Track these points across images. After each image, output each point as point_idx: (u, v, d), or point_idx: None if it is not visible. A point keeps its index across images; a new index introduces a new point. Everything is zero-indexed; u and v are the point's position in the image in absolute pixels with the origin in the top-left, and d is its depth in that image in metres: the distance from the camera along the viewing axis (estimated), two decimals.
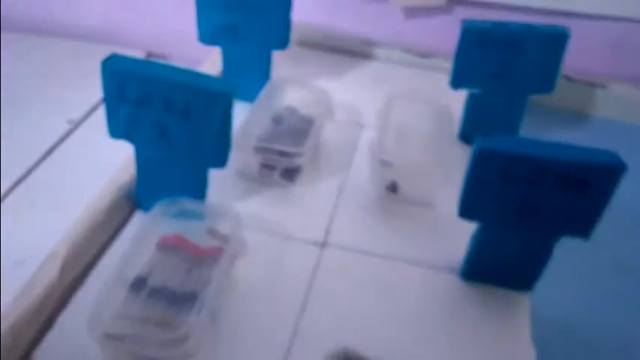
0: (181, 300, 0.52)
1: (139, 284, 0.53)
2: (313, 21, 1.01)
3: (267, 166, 0.69)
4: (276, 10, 0.76)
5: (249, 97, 0.76)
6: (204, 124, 0.56)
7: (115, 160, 0.67)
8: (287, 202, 0.68)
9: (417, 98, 0.78)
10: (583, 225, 0.52)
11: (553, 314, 0.66)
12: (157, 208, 0.57)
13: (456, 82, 0.74)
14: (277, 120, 0.74)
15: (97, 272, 0.58)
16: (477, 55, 0.71)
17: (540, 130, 0.86)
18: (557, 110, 0.95)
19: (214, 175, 0.62)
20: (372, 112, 0.81)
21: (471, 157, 0.51)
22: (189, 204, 0.58)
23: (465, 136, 0.79)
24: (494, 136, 0.50)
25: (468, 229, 0.58)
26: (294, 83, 0.79)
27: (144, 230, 0.56)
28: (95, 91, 0.93)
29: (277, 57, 0.82)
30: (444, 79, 0.76)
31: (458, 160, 0.68)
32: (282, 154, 0.67)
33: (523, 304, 0.58)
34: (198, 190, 0.61)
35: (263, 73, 0.81)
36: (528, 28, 0.69)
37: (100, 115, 0.91)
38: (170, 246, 0.57)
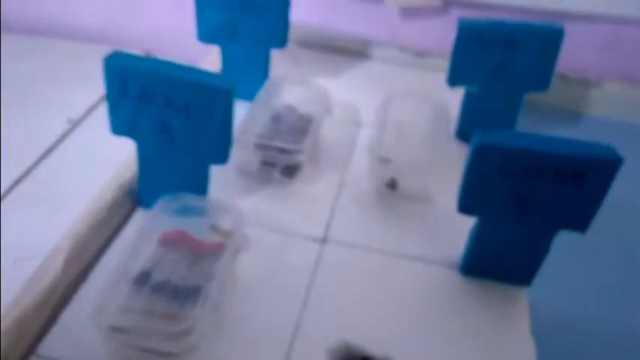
0: (184, 294, 0.52)
1: (142, 279, 0.53)
2: (311, 21, 1.02)
3: (267, 163, 0.70)
4: (274, 9, 0.76)
5: (249, 95, 0.76)
6: (205, 121, 0.57)
7: (114, 159, 0.67)
8: (287, 198, 0.68)
9: (414, 96, 0.78)
10: (580, 219, 0.53)
11: (551, 308, 0.67)
12: (159, 204, 0.58)
13: (453, 80, 0.74)
14: (276, 118, 0.75)
15: (99, 268, 0.58)
16: (473, 53, 0.72)
17: (535, 128, 0.87)
18: (551, 109, 0.96)
19: (215, 172, 0.63)
20: (370, 111, 0.81)
21: (470, 151, 0.52)
22: (191, 200, 0.59)
23: (462, 134, 0.79)
24: (493, 131, 0.51)
25: (467, 224, 0.58)
26: (293, 82, 0.80)
27: (146, 226, 0.56)
28: (94, 90, 0.94)
29: (276, 57, 0.83)
30: (440, 78, 0.77)
31: (455, 157, 0.69)
32: (282, 151, 0.68)
33: (522, 298, 0.59)
34: (199, 186, 0.62)
35: (262, 72, 0.82)
36: (524, 26, 0.70)
37: (100, 114, 0.91)
38: (172, 241, 0.57)
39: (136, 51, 1.07)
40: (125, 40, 1.12)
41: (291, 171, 0.71)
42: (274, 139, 0.70)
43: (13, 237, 0.68)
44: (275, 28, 0.78)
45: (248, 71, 0.81)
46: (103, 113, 0.89)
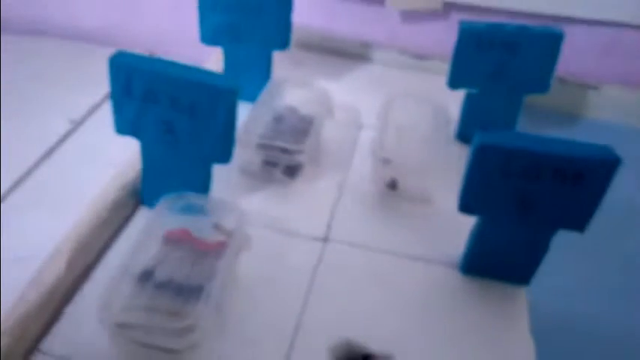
0: (187, 292, 0.53)
1: (146, 277, 0.54)
2: (312, 24, 1.03)
3: (269, 163, 0.70)
4: (276, 11, 0.77)
5: (251, 97, 0.77)
6: (209, 120, 0.57)
7: (115, 159, 0.68)
8: (289, 198, 0.69)
9: (415, 98, 0.79)
10: (579, 218, 0.54)
11: (550, 307, 0.67)
12: (163, 203, 0.58)
13: (454, 83, 0.75)
14: (278, 119, 0.75)
15: (103, 266, 0.59)
16: (474, 56, 0.72)
17: (535, 130, 0.87)
18: (550, 111, 0.97)
19: (217, 172, 0.63)
20: (371, 112, 0.82)
21: (472, 151, 0.52)
22: (194, 199, 0.59)
23: (463, 136, 0.80)
24: (494, 131, 0.52)
25: (467, 224, 0.59)
26: (295, 83, 0.80)
27: (150, 224, 0.57)
28: (95, 91, 0.95)
29: (278, 59, 0.84)
30: (440, 80, 0.77)
31: (456, 158, 0.70)
32: (284, 151, 0.69)
33: (521, 297, 0.59)
34: (202, 185, 0.62)
35: (264, 74, 0.83)
36: (524, 29, 0.71)
37: (101, 115, 0.92)
38: (176, 240, 0.58)
39: (138, 52, 1.08)
40: (126, 41, 1.12)
41: (292, 171, 0.71)
42: (276, 139, 0.70)
43: (15, 237, 0.69)
44: (277, 31, 0.78)
45: (250, 73, 0.82)
46: (104, 114, 0.91)
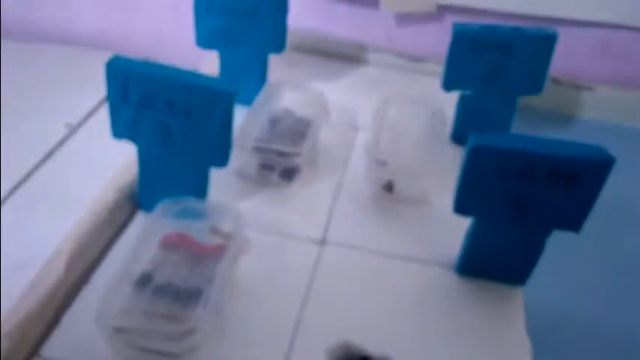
0: (186, 296, 0.53)
1: (144, 281, 0.54)
2: (308, 26, 1.03)
3: (265, 166, 0.71)
4: (272, 14, 0.77)
5: (247, 100, 0.77)
6: (206, 124, 0.57)
7: (112, 163, 0.68)
8: (286, 201, 0.69)
9: (410, 100, 0.80)
10: (574, 219, 0.54)
11: (546, 307, 0.68)
12: (160, 207, 0.58)
13: (448, 85, 0.76)
14: (275, 122, 0.76)
15: (101, 271, 0.59)
16: (468, 58, 0.73)
17: (529, 131, 0.88)
18: (545, 112, 0.97)
19: (214, 176, 0.63)
20: (366, 114, 0.82)
21: (466, 152, 0.53)
22: (191, 203, 0.60)
23: (457, 137, 0.81)
24: (488, 133, 0.52)
25: (462, 225, 0.59)
26: (291, 86, 0.81)
27: (147, 229, 0.57)
28: (92, 95, 0.95)
29: (273, 62, 0.84)
30: (435, 82, 0.78)
31: (451, 159, 0.70)
32: (281, 154, 0.69)
33: (517, 297, 0.60)
34: (199, 189, 0.63)
35: (260, 77, 0.83)
36: (518, 31, 0.71)
37: (98, 119, 0.92)
38: (173, 244, 0.58)
39: (134, 56, 1.08)
40: (123, 45, 1.12)
41: (289, 174, 0.71)
42: (273, 142, 0.71)
43: (14, 241, 0.69)
44: (273, 34, 0.79)
45: (246, 76, 0.82)
46: (101, 118, 0.91)
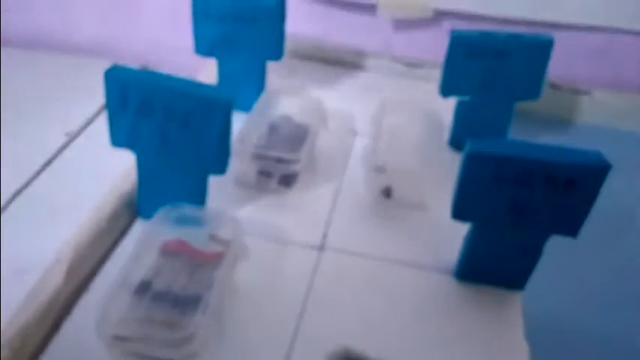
0: (185, 302, 0.53)
1: (143, 288, 0.54)
2: (306, 33, 1.04)
3: (264, 173, 0.71)
4: (270, 22, 0.78)
5: (245, 107, 0.78)
6: (204, 132, 0.58)
7: (112, 171, 0.68)
8: (284, 207, 0.69)
9: (408, 106, 0.80)
10: (571, 224, 0.54)
11: (545, 312, 0.68)
12: (159, 215, 0.59)
13: (446, 90, 0.76)
14: (273, 128, 0.76)
15: (100, 278, 0.59)
16: (465, 64, 0.73)
17: (527, 136, 0.88)
18: (543, 117, 0.98)
19: (213, 183, 0.64)
20: (364, 120, 0.83)
21: (463, 159, 0.53)
22: (190, 210, 0.60)
23: (455, 142, 0.81)
24: (485, 139, 0.52)
25: (461, 231, 0.60)
26: (289, 93, 0.81)
27: (146, 236, 0.57)
28: (91, 103, 0.95)
29: (272, 68, 0.85)
30: (432, 88, 0.78)
31: (448, 165, 0.70)
32: (279, 160, 0.69)
33: (515, 302, 0.60)
34: (198, 196, 0.63)
35: (258, 84, 0.83)
36: (514, 37, 0.72)
37: (97, 127, 0.92)
38: (172, 251, 0.58)
39: (132, 64, 1.08)
40: (122, 53, 1.13)
41: (288, 180, 0.72)
42: (271, 149, 0.71)
43: (13, 249, 0.69)
44: (271, 41, 0.79)
45: (245, 83, 0.83)
46: (100, 126, 0.91)
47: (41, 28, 1.14)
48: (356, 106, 0.90)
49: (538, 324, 0.59)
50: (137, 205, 0.66)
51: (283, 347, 0.54)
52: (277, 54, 0.81)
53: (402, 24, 1.01)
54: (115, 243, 0.63)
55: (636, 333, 0.68)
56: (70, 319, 0.55)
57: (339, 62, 1.03)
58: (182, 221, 0.60)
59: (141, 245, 0.56)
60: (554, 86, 0.97)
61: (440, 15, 0.98)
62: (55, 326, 0.54)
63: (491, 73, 0.73)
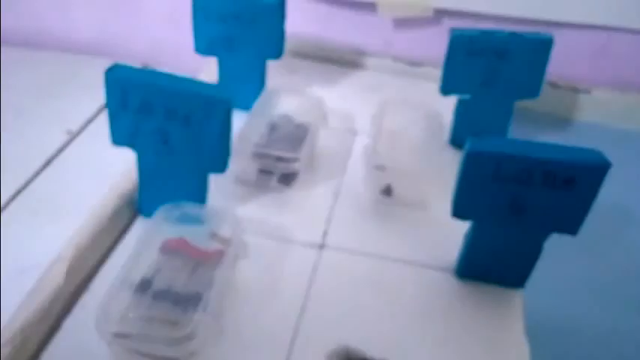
0: (186, 301, 0.53)
1: (144, 286, 0.54)
2: (306, 32, 1.04)
3: (264, 172, 0.71)
4: (270, 21, 0.78)
5: (245, 106, 0.78)
6: (204, 130, 0.58)
7: (113, 169, 0.68)
8: (285, 206, 0.70)
9: (408, 105, 0.80)
10: (571, 222, 0.54)
11: (545, 309, 0.68)
12: (160, 213, 0.59)
13: (446, 89, 0.76)
14: (273, 127, 0.76)
15: (101, 276, 0.59)
16: (465, 63, 0.73)
17: (527, 134, 0.89)
18: (542, 116, 0.98)
19: (213, 181, 0.64)
20: (365, 119, 0.83)
21: (463, 157, 0.53)
22: (190, 208, 0.60)
23: (456, 141, 0.81)
24: (485, 137, 0.53)
25: (461, 229, 0.60)
26: (289, 92, 0.81)
27: (147, 234, 0.58)
28: (92, 102, 0.95)
29: (272, 67, 0.85)
30: (432, 86, 0.78)
31: (449, 163, 0.70)
32: (280, 159, 0.69)
33: (516, 300, 0.60)
34: (198, 195, 0.63)
35: (258, 83, 0.83)
36: (514, 36, 0.72)
37: (98, 126, 0.92)
38: (173, 249, 0.58)
39: (133, 63, 1.09)
40: (122, 52, 1.13)
41: (288, 179, 0.72)
42: (271, 147, 0.71)
43: (14, 248, 0.69)
44: (271, 40, 0.79)
45: (245, 82, 0.83)
46: (101, 124, 0.91)
47: (42, 27, 1.14)
48: (356, 105, 0.90)
49: (538, 322, 0.59)
50: (138, 204, 0.66)
51: (283, 345, 0.54)
52: (277, 53, 0.81)
53: (403, 23, 1.01)
54: (116, 241, 0.63)
55: (637, 330, 0.68)
56: (71, 317, 0.55)
57: (340, 61, 1.03)
58: (183, 219, 0.60)
59: (141, 243, 0.57)
60: (554, 85, 0.97)
61: (440, 14, 0.99)
62: (56, 324, 0.54)
63: (492, 71, 0.74)
